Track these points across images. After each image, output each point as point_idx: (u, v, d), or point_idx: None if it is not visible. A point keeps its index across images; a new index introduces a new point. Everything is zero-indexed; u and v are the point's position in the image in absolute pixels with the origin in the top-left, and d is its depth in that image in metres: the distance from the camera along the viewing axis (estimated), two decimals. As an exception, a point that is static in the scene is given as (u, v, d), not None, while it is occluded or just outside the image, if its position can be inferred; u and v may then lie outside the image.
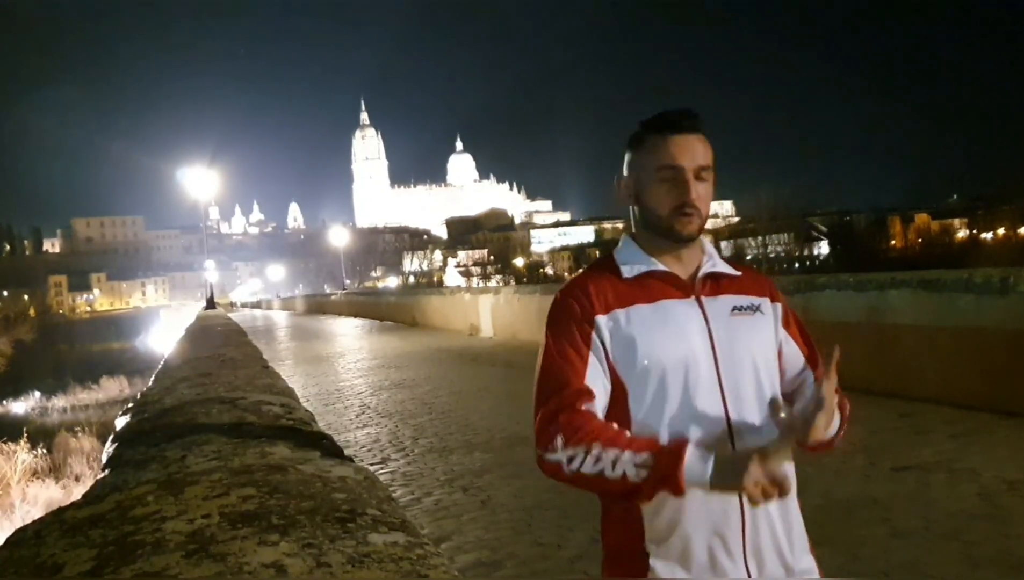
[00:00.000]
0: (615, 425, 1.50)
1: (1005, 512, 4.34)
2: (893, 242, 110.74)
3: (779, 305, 1.65)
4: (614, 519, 1.58)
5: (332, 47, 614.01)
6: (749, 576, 1.51)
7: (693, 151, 1.53)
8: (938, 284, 7.26)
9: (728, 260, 1.65)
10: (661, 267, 1.57)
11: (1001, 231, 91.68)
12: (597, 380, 1.53)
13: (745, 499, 1.44)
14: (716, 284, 1.59)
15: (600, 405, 1.52)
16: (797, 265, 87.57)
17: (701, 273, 1.58)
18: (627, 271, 1.57)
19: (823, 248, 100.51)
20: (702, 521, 1.50)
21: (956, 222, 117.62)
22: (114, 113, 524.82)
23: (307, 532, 1.36)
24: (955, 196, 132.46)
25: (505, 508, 5.01)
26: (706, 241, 1.63)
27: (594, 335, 1.53)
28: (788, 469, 1.47)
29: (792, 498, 1.56)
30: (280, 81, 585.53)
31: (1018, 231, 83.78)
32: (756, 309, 1.59)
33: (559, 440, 1.45)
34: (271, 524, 1.39)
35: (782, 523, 1.55)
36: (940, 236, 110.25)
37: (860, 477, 5.13)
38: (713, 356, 1.52)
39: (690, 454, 1.40)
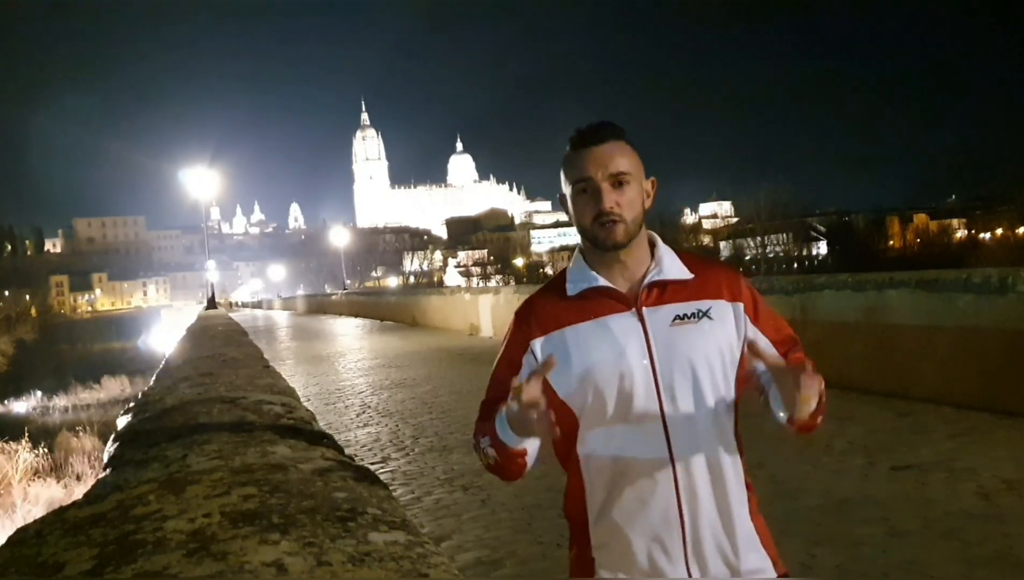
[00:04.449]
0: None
1: (1003, 512, 4.35)
2: (892, 242, 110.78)
3: (740, 304, 1.62)
4: (571, 529, 1.66)
5: (332, 47, 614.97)
6: (691, 578, 1.53)
7: (605, 160, 1.55)
8: (937, 284, 7.27)
9: (689, 257, 1.66)
10: (601, 282, 1.60)
11: (999, 231, 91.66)
12: None
13: (684, 503, 1.53)
14: (661, 293, 1.59)
15: None
16: (796, 265, 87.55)
17: (645, 282, 1.59)
18: (571, 289, 1.63)
19: (822, 248, 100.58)
20: (641, 526, 1.55)
21: (955, 222, 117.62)
22: (115, 113, 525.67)
23: (308, 531, 1.36)
24: (953, 196, 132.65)
25: (505, 507, 5.02)
26: (660, 244, 1.64)
27: (525, 359, 1.62)
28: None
29: (737, 499, 1.58)
30: (281, 81, 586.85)
31: (1016, 231, 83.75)
32: (703, 314, 1.58)
33: (473, 441, 1.64)
34: (272, 523, 1.40)
35: (723, 525, 1.56)
36: (939, 236, 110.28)
37: (859, 477, 5.14)
38: (652, 367, 1.55)
39: (497, 421, 1.53)
